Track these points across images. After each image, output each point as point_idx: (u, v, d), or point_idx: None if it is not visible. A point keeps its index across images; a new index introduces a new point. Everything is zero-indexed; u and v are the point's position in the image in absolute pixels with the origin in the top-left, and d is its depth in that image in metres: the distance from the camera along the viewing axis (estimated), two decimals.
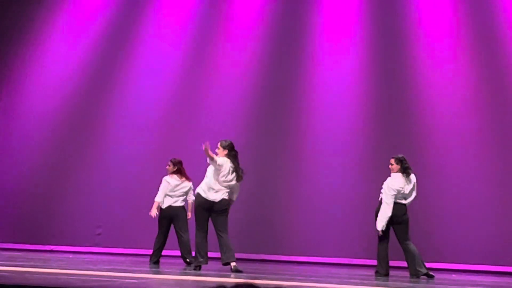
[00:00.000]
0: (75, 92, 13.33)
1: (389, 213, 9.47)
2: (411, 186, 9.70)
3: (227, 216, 9.18)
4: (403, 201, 9.64)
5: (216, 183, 9.09)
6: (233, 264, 8.92)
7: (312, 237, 12.04)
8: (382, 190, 9.69)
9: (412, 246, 9.53)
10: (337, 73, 12.48)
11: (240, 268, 8.88)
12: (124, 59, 13.26)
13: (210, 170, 9.14)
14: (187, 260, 10.08)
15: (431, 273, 9.47)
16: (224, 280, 7.48)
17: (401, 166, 9.67)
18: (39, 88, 13.45)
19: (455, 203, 11.61)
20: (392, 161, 9.75)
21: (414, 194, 9.76)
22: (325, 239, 11.98)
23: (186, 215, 10.27)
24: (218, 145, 9.25)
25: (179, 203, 10.23)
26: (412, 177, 9.74)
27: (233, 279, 7.85)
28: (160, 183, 10.26)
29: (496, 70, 11.92)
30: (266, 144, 12.43)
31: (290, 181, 12.33)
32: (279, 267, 10.76)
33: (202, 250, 9.04)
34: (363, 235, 11.72)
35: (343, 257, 11.80)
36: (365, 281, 8.70)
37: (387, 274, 9.55)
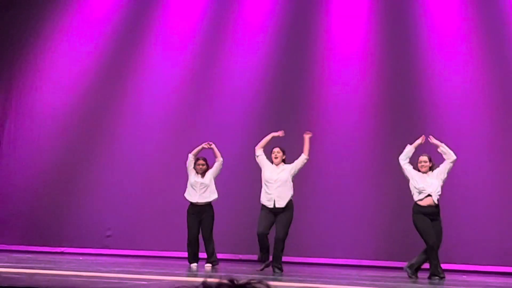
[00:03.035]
0: (85, 94, 13.34)
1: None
2: None
3: None
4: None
5: None
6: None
7: (321, 238, 12.01)
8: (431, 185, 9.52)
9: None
10: (347, 73, 12.44)
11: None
12: (135, 58, 13.25)
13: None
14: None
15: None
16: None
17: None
18: (49, 90, 13.46)
19: (465, 204, 11.55)
20: (427, 159, 9.70)
21: None
22: (334, 240, 11.95)
23: None
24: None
25: None
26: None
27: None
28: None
29: (508, 72, 11.85)
30: (275, 144, 12.39)
31: (299, 183, 12.28)
32: (289, 268, 10.72)
33: None
34: (373, 237, 11.69)
35: (353, 258, 11.76)
36: (376, 282, 8.67)
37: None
